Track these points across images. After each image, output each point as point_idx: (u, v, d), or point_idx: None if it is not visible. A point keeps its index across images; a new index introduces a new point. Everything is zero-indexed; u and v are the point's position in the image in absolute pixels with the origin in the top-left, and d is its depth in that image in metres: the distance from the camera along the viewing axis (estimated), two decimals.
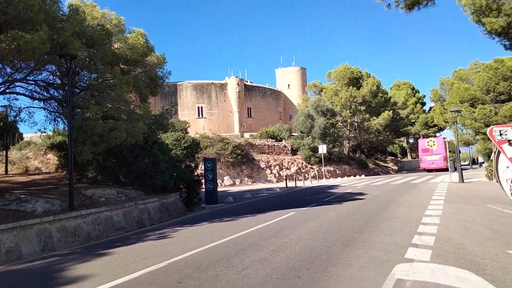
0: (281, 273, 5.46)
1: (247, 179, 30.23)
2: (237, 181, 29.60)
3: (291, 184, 26.92)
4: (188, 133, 33.93)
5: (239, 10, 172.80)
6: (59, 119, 13.34)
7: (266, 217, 11.05)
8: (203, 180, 16.98)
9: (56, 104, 13.08)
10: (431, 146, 36.82)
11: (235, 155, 29.37)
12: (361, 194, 16.66)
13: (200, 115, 59.21)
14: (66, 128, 12.61)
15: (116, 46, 15.27)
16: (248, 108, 62.21)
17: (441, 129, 61.61)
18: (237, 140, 33.03)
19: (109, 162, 14.07)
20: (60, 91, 13.60)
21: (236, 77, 59.65)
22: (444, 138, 23.46)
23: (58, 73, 13.39)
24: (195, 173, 17.51)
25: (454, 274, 5.22)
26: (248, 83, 63.41)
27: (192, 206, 15.96)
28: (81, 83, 13.84)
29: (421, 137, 41.52)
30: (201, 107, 59.65)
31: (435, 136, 35.28)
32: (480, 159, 59.44)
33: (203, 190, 16.89)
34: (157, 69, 16.47)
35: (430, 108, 63.50)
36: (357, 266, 5.70)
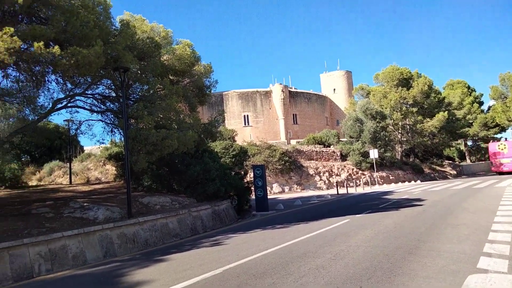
0: (341, 282, 5.21)
1: (296, 186, 29.90)
2: (286, 189, 29.36)
3: (342, 191, 26.21)
4: (235, 141, 34.38)
5: (279, 16, 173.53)
6: (115, 130, 14.01)
7: (319, 224, 10.76)
8: (252, 188, 16.98)
9: (112, 116, 13.75)
10: (502, 149, 38.43)
11: (283, 162, 29.21)
12: (419, 200, 15.77)
13: (246, 123, 59.84)
14: (122, 139, 13.24)
15: (164, 57, 15.84)
16: (293, 114, 61.93)
17: (503, 129, 57.26)
18: (284, 147, 32.86)
19: (163, 170, 14.52)
20: (116, 104, 14.30)
21: (280, 84, 59.73)
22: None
23: (113, 87, 14.11)
24: (245, 181, 17.57)
25: None
26: (293, 90, 63.21)
27: (243, 214, 16.01)
28: (134, 95, 14.48)
29: (491, 141, 43.25)
30: (247, 116, 60.28)
31: (506, 140, 34.39)
32: None
33: (253, 197, 16.89)
34: (204, 78, 16.86)
35: (489, 108, 59.25)
36: (424, 276, 5.30)
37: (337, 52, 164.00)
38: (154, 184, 14.19)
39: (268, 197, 26.39)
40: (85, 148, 26.73)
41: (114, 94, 14.32)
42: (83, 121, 15.14)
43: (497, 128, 56.15)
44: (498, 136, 59.36)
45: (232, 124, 59.48)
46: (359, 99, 43.84)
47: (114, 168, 18.74)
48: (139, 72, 14.20)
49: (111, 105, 14.55)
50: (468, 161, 60.67)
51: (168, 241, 10.35)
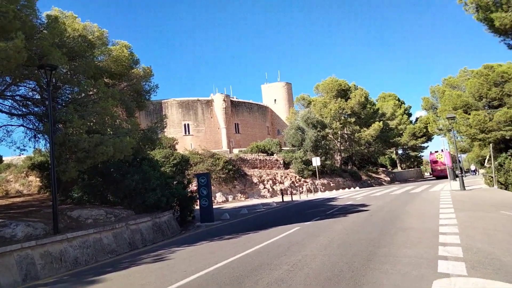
0: None
1: (240, 195, 29.31)
2: (230, 198, 28.65)
3: (287, 198, 26.13)
4: (176, 150, 33.00)
5: (220, 27, 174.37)
6: (39, 136, 12.39)
7: (270, 233, 10.23)
8: (196, 197, 16.05)
9: (36, 120, 12.16)
10: (439, 158, 44.60)
11: (226, 171, 28.49)
12: (363, 205, 15.98)
13: (187, 132, 58.51)
14: (48, 146, 11.72)
15: (99, 59, 14.53)
16: (235, 124, 61.78)
17: (429, 139, 62.14)
18: (228, 155, 32.21)
19: (96, 180, 13.11)
20: (41, 107, 12.72)
21: (222, 93, 59.39)
22: (448, 151, 26.46)
23: (38, 89, 12.56)
24: (188, 190, 16.58)
25: None
26: (234, 99, 63.15)
27: (187, 225, 15.00)
28: (63, 97, 13.01)
29: (430, 152, 50.78)
30: (188, 124, 59.01)
31: (442, 150, 38.62)
32: (472, 167, 59.79)
33: (197, 207, 15.98)
34: (143, 82, 15.72)
35: (417, 119, 64.04)
36: (390, 284, 4.96)
37: (278, 64, 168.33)
38: (86, 196, 12.72)
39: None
40: (4, 158, 23.75)
41: (38, 96, 12.73)
42: (0, 126, 13.21)
43: (424, 137, 60.79)
44: (425, 145, 64.27)
45: (172, 133, 57.57)
46: (300, 109, 44.73)
47: (38, 179, 16.71)
48: (69, 73, 12.80)
49: (35, 109, 12.91)
50: (399, 168, 64.74)
51: (103, 259, 9.14)
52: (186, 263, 7.39)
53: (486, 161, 29.39)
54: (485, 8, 9.70)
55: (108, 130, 11.98)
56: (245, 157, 33.04)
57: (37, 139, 12.90)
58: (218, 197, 28.11)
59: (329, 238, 8.70)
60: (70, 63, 12.26)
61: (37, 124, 12.52)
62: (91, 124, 11.50)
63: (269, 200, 26.29)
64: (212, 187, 28.23)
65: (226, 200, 28.16)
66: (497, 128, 20.53)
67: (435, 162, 47.46)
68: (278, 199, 26.52)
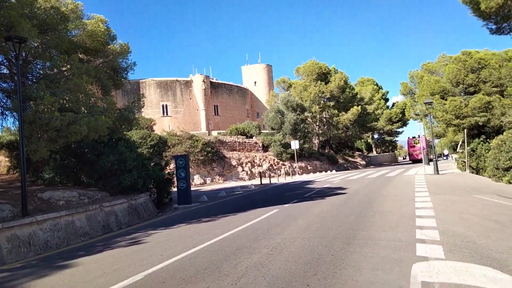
0: (285, 282, 4.59)
1: (218, 177, 29.14)
2: (208, 180, 28.45)
3: (265, 181, 26.17)
4: (154, 131, 32.32)
5: (202, 7, 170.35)
6: (7, 113, 11.73)
7: (248, 216, 10.15)
8: (174, 179, 15.77)
9: (3, 95, 11.49)
10: (416, 143, 47.01)
11: (205, 153, 28.18)
12: (341, 188, 16.14)
13: (165, 113, 57.56)
14: (17, 124, 11.11)
15: (73, 34, 13.79)
16: (214, 106, 61.10)
17: (405, 124, 63.44)
18: (207, 137, 31.84)
19: (69, 161, 12.61)
20: (9, 82, 12.02)
21: (202, 74, 58.34)
22: (424, 136, 27.32)
23: (6, 63, 11.84)
24: (165, 172, 16.25)
25: (481, 273, 4.60)
26: (214, 81, 62.24)
27: (164, 207, 14.76)
28: (34, 73, 12.31)
29: (408, 137, 54.15)
30: (166, 105, 58.04)
31: (419, 136, 39.83)
32: (445, 152, 61.68)
33: (175, 190, 15.71)
34: (120, 59, 15.06)
35: (393, 104, 65.10)
36: (370, 268, 4.94)
37: (259, 46, 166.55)
38: (58, 177, 12.24)
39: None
40: None
41: (6, 71, 12.01)
42: None
43: (400, 122, 62.04)
44: (400, 130, 65.65)
45: (149, 113, 56.35)
46: (280, 92, 44.55)
47: (7, 160, 15.96)
48: (41, 47, 12.08)
49: (3, 84, 12.18)
50: (375, 152, 66.01)
51: (75, 242, 8.83)
52: (162, 247, 7.20)
53: (458, 146, 30.23)
54: None
55: (82, 108, 11.45)
56: (224, 140, 32.76)
57: (5, 116, 12.21)
58: (196, 179, 27.86)
59: (308, 221, 8.68)
60: (41, 37, 11.55)
61: (4, 101, 11.83)
62: (64, 101, 10.94)
63: (247, 183, 26.27)
64: (190, 169, 27.91)
65: (204, 183, 27.96)
66: (472, 114, 21.00)
67: (413, 147, 50.62)
68: (256, 181, 26.53)
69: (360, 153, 57.58)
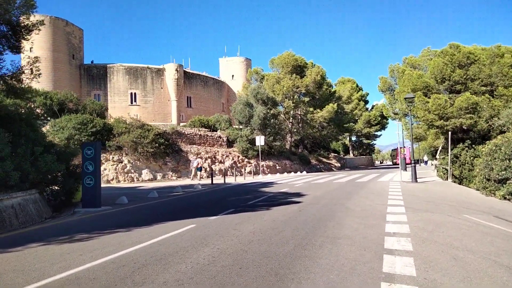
0: None
1: (171, 173, 25.64)
2: (159, 176, 24.92)
3: (218, 181, 22.94)
4: (105, 117, 28.56)
5: None
6: None
7: (141, 236, 6.80)
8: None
9: None
10: (403, 152, 48.56)
11: (157, 145, 24.59)
12: (298, 195, 13.05)
13: (134, 102, 53.77)
14: None
15: None
16: (187, 97, 57.70)
17: (383, 127, 61.47)
18: (162, 127, 28.27)
19: None
20: None
21: (175, 63, 54.70)
22: (408, 148, 25.33)
23: None
24: (73, 163, 12.76)
25: None
26: (188, 70, 58.67)
27: (66, 210, 11.28)
28: None
29: (399, 147, 55.35)
30: (135, 93, 54.37)
31: (404, 147, 38.58)
32: (425, 158, 60.01)
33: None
34: (19, 10, 11.43)
35: (373, 107, 63.01)
36: None
37: (238, 38, 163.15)
38: None
39: (133, 184, 21.72)
40: None
41: None
42: None
43: (378, 126, 60.04)
44: (378, 133, 63.64)
45: (116, 101, 52.46)
46: (253, 84, 41.34)
47: None
48: None
49: None
50: (351, 155, 63.76)
51: None
52: None
53: (438, 152, 27.71)
54: None
55: None
56: (182, 131, 29.28)
57: None
58: (145, 174, 24.31)
59: (220, 250, 5.48)
60: None
61: None
62: None
63: (207, 181, 22.98)
64: (138, 162, 24.34)
65: (154, 179, 24.44)
66: (457, 115, 18.34)
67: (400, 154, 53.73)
68: (217, 180, 23.27)
69: (336, 154, 55.06)
